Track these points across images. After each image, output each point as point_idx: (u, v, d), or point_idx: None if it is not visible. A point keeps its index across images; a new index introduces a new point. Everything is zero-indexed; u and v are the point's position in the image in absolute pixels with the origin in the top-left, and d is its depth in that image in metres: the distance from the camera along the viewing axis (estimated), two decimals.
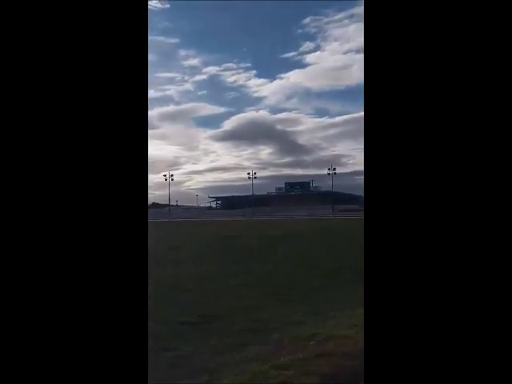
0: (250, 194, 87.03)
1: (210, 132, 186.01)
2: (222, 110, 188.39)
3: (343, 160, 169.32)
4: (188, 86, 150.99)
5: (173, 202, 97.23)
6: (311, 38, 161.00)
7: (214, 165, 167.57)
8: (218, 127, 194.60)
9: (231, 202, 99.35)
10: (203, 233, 29.14)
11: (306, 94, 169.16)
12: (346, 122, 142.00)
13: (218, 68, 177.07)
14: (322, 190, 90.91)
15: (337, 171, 78.39)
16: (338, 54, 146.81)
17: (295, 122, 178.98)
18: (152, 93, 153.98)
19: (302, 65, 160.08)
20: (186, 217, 68.99)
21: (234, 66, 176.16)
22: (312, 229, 28.86)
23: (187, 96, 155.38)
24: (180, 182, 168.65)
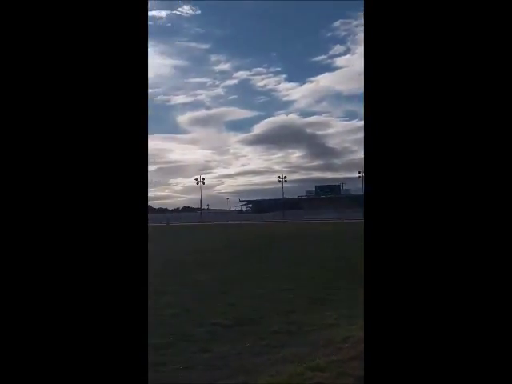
0: (281, 197, 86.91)
1: (241, 136, 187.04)
2: (252, 113, 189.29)
3: None
4: (219, 91, 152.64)
5: (204, 206, 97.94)
6: (341, 41, 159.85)
7: (244, 168, 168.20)
8: (249, 131, 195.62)
9: (262, 206, 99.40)
10: (237, 235, 29.28)
11: (336, 97, 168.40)
12: None
13: (248, 72, 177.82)
14: (353, 193, 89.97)
15: None
16: None
17: (325, 125, 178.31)
18: (183, 98, 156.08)
19: (331, 68, 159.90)
20: (216, 220, 69.37)
21: (264, 70, 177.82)
22: (346, 232, 28.62)
23: (218, 100, 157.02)
24: (211, 186, 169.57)
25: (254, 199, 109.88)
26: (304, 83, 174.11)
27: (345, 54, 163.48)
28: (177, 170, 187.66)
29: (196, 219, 70.57)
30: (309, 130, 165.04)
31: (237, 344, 4.99)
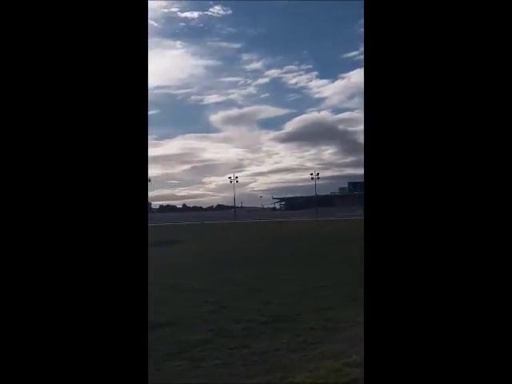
0: (314, 194, 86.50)
1: (273, 134, 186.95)
2: (284, 111, 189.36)
3: None
4: (251, 90, 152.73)
5: (237, 204, 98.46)
6: None
7: (277, 166, 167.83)
8: (281, 129, 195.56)
9: (295, 203, 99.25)
10: (276, 233, 29.34)
11: None
12: None
13: (279, 70, 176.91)
14: None
15: None
16: None
17: (357, 121, 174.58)
18: (216, 97, 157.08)
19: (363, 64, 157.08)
20: (250, 218, 69.62)
21: (296, 67, 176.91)
22: None
23: (250, 99, 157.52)
24: (244, 184, 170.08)
25: (287, 196, 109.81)
26: (336, 80, 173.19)
27: None
28: (210, 168, 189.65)
29: (230, 217, 71.03)
30: (341, 127, 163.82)
31: (274, 340, 5.07)
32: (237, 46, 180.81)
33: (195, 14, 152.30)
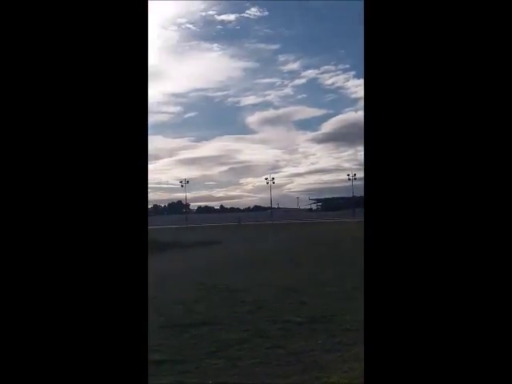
0: (351, 195, 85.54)
1: (310, 134, 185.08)
2: (321, 112, 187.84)
3: None
4: (288, 91, 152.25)
5: (274, 205, 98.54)
6: None
7: (314, 167, 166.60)
8: (318, 129, 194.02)
9: (332, 204, 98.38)
10: (313, 234, 29.27)
11: None
12: None
13: (316, 71, 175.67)
14: None
15: None
16: None
17: None
18: (253, 99, 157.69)
19: None
20: (287, 219, 69.46)
21: (333, 68, 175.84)
22: None
23: (287, 100, 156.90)
24: (281, 185, 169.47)
25: (324, 197, 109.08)
26: None
27: None
28: (247, 169, 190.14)
29: (267, 218, 71.13)
30: None
31: (309, 341, 5.12)
32: (274, 47, 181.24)
33: (232, 17, 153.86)
